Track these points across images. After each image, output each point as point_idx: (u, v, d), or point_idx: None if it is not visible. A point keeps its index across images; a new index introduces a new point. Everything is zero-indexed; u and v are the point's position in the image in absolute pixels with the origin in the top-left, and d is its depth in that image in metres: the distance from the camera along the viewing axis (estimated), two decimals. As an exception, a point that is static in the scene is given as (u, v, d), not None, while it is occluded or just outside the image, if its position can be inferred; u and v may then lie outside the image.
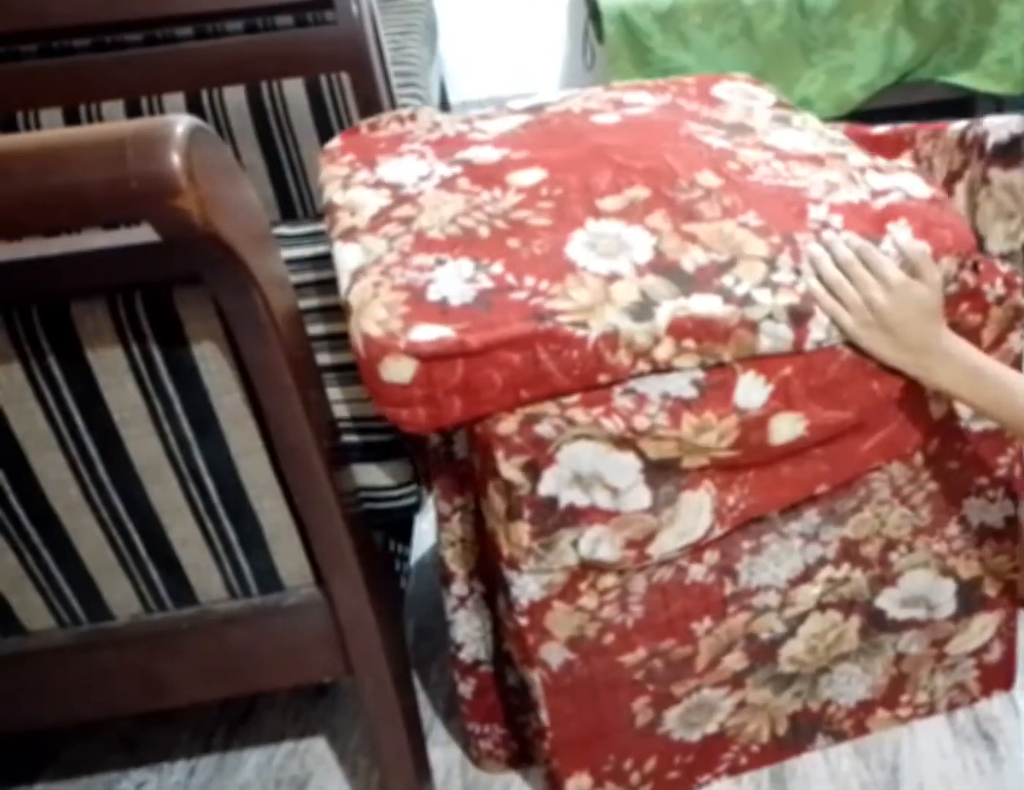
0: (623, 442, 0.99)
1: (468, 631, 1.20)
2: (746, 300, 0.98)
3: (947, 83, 2.78)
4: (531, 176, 1.12)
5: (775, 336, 0.99)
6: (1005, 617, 1.27)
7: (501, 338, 0.94)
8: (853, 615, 1.20)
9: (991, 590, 1.24)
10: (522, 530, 1.01)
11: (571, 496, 1.01)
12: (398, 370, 0.94)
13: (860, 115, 2.80)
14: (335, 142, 1.31)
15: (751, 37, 2.69)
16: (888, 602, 1.21)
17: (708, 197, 1.08)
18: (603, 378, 0.98)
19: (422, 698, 1.40)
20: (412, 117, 1.35)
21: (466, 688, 1.24)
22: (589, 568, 1.05)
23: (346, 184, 1.19)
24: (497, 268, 1.01)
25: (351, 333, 0.97)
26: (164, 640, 1.09)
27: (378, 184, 1.18)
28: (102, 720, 1.36)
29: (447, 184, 1.14)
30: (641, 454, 1.00)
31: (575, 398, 0.98)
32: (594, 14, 2.86)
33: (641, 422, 0.98)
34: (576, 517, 1.02)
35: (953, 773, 1.25)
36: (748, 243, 1.03)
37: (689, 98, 1.35)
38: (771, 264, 1.01)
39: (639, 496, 1.02)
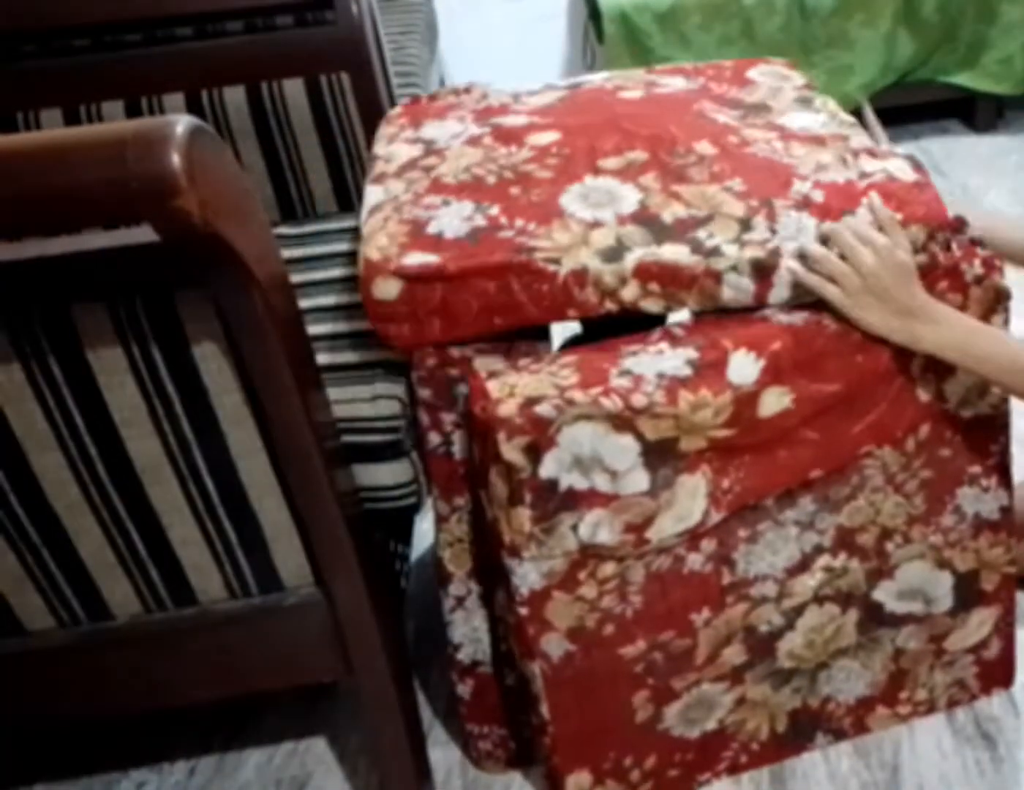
0: (622, 422, 1.01)
1: (466, 632, 1.20)
2: (713, 252, 1.05)
3: (947, 83, 2.78)
4: (547, 137, 1.21)
5: (737, 288, 1.05)
6: (1003, 612, 1.27)
7: (478, 266, 1.04)
8: (851, 608, 1.20)
9: (988, 584, 1.24)
10: (523, 515, 1.03)
11: (571, 479, 1.02)
12: (386, 288, 1.05)
13: (861, 115, 2.80)
14: (396, 110, 1.41)
15: (751, 37, 2.69)
16: (885, 595, 1.21)
17: (700, 163, 1.15)
18: (572, 313, 1.07)
19: (422, 698, 1.40)
20: (467, 90, 1.44)
21: (464, 689, 1.24)
22: (589, 555, 1.06)
23: (391, 140, 1.30)
24: (494, 210, 1.10)
25: (358, 258, 1.08)
26: (164, 640, 1.09)
27: (416, 140, 1.28)
28: (102, 720, 1.36)
29: (473, 141, 1.23)
30: (640, 436, 1.02)
31: (574, 380, 1.01)
32: (594, 14, 2.86)
33: (639, 399, 1.01)
34: (576, 501, 1.03)
35: (953, 773, 1.25)
36: (727, 204, 1.09)
37: (721, 81, 1.41)
38: (745, 224, 1.07)
39: (637, 479, 1.04)
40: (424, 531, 1.62)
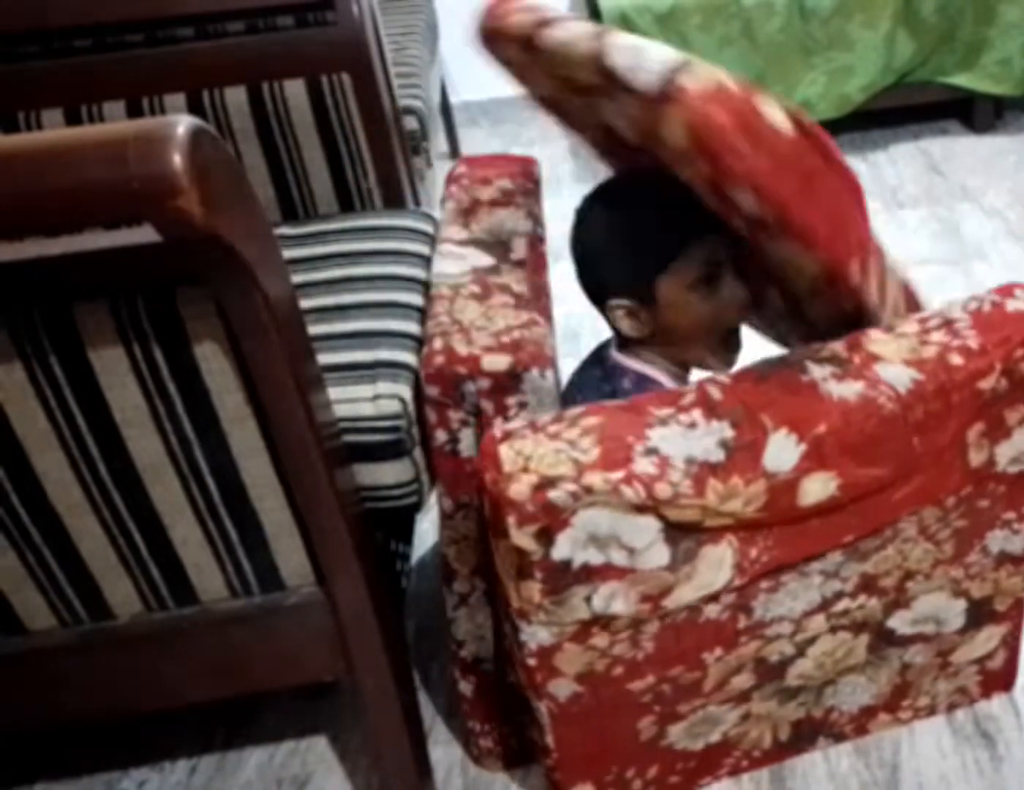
0: (643, 508, 0.96)
1: (469, 629, 1.20)
2: None
3: (947, 84, 2.78)
4: None
5: None
6: (1011, 628, 1.26)
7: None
8: (863, 634, 1.18)
9: (1001, 606, 1.23)
10: (533, 588, 0.98)
11: (586, 556, 0.97)
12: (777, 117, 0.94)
13: (860, 116, 2.80)
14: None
15: (751, 38, 2.70)
16: (899, 622, 1.19)
17: None
18: None
19: (422, 697, 1.40)
20: None
21: (467, 686, 1.24)
22: (602, 619, 1.02)
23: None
24: None
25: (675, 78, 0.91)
26: (165, 640, 1.09)
27: None
28: (103, 720, 1.36)
29: None
30: (661, 517, 0.97)
31: (594, 454, 0.94)
32: (594, 15, 2.87)
33: (663, 490, 0.94)
34: (590, 575, 0.98)
35: (952, 772, 1.25)
36: None
37: None
38: None
39: (658, 555, 0.99)
40: (425, 531, 1.62)
